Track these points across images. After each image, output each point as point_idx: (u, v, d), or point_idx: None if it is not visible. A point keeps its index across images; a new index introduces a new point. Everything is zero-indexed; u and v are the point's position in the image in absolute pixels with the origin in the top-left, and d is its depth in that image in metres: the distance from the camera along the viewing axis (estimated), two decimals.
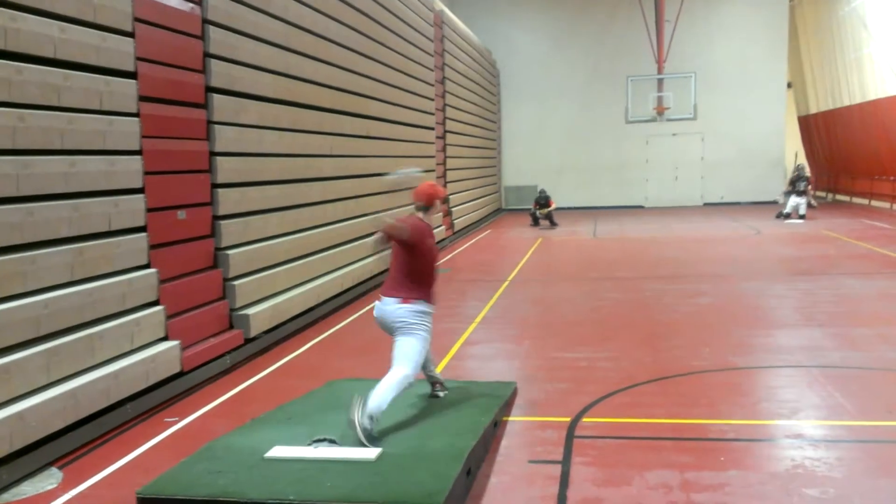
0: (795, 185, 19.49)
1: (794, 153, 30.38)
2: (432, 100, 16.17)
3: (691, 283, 10.86)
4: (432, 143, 16.17)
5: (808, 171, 19.55)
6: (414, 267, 5.02)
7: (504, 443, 4.95)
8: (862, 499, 4.01)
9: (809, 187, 19.66)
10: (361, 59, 11.35)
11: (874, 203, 22.99)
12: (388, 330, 5.06)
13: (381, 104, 12.33)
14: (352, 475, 4.05)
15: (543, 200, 20.57)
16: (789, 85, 27.91)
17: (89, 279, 5.45)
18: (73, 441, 5.05)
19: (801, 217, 19.21)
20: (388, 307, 4.99)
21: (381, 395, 4.66)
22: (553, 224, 19.98)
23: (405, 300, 4.96)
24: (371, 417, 4.56)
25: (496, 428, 5.09)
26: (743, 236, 16.79)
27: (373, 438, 4.53)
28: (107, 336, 5.48)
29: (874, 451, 4.69)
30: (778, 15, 25.63)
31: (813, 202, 20.02)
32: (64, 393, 4.92)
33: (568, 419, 5.29)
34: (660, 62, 23.07)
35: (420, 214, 5.22)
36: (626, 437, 5.02)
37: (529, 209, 21.28)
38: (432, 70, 16.28)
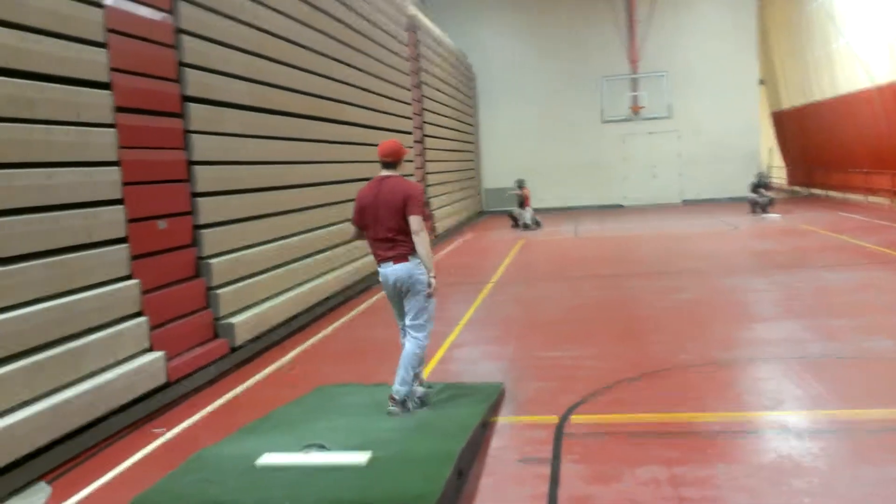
0: (757, 189, 20.45)
1: (768, 149, 30.77)
2: (409, 104, 16.19)
3: (672, 279, 10.96)
4: (410, 147, 16.18)
5: (767, 178, 20.97)
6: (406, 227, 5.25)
7: (493, 443, 4.97)
8: (846, 487, 4.07)
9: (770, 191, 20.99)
10: (335, 64, 11.34)
11: (849, 196, 23.31)
12: (399, 294, 5.34)
13: (358, 109, 12.32)
14: (343, 480, 4.05)
15: (520, 200, 20.31)
16: (762, 81, 28.24)
17: (70, 292, 5.40)
18: (61, 455, 5.00)
19: (766, 206, 20.08)
20: (401, 268, 5.23)
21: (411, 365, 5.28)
22: (533, 225, 19.91)
23: (413, 258, 5.25)
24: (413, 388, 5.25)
25: (485, 429, 5.11)
26: (721, 232, 16.96)
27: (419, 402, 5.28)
28: (90, 349, 5.44)
29: (856, 440, 4.76)
30: (747, 12, 25.91)
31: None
32: (49, 407, 4.87)
33: (556, 418, 5.33)
34: (633, 62, 23.28)
35: (389, 171, 5.43)
36: (613, 433, 5.06)
37: (508, 210, 21.16)
38: (408, 74, 16.30)
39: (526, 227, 19.88)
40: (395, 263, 5.26)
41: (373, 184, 5.43)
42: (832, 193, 24.87)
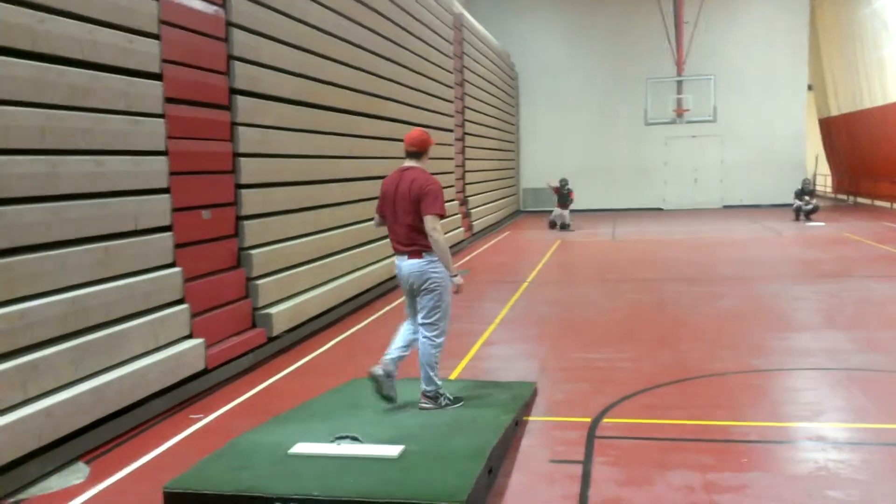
0: (801, 197, 20.23)
1: (814, 156, 30.17)
2: (451, 102, 16.21)
3: (711, 285, 10.82)
4: (451, 144, 16.21)
5: (811, 185, 20.92)
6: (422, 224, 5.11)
7: (525, 442, 4.97)
8: (887, 501, 3.99)
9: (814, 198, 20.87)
10: (381, 61, 11.41)
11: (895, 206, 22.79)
12: (412, 289, 5.24)
13: (401, 106, 12.38)
14: (375, 472, 4.09)
15: (565, 192, 19.99)
16: (810, 87, 27.71)
17: (116, 277, 5.52)
18: (100, 437, 5.13)
19: (810, 213, 19.95)
20: (415, 264, 5.14)
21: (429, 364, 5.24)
22: (566, 227, 19.80)
23: (428, 255, 5.14)
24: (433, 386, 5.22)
25: (517, 427, 5.11)
26: (763, 238, 16.69)
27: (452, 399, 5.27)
28: (133, 334, 5.56)
29: None
30: (798, 16, 25.44)
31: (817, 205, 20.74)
32: (91, 389, 4.99)
33: (588, 419, 5.30)
34: (679, 64, 22.98)
35: (412, 162, 5.30)
36: (646, 437, 5.02)
37: (550, 210, 20.84)
38: (451, 72, 16.32)
39: (564, 227, 19.76)
40: (409, 258, 5.16)
41: (395, 174, 5.32)
42: (879, 203, 24.31)
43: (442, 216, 5.16)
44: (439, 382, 5.32)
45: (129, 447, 5.13)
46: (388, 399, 5.24)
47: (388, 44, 11.72)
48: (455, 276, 5.22)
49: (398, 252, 5.26)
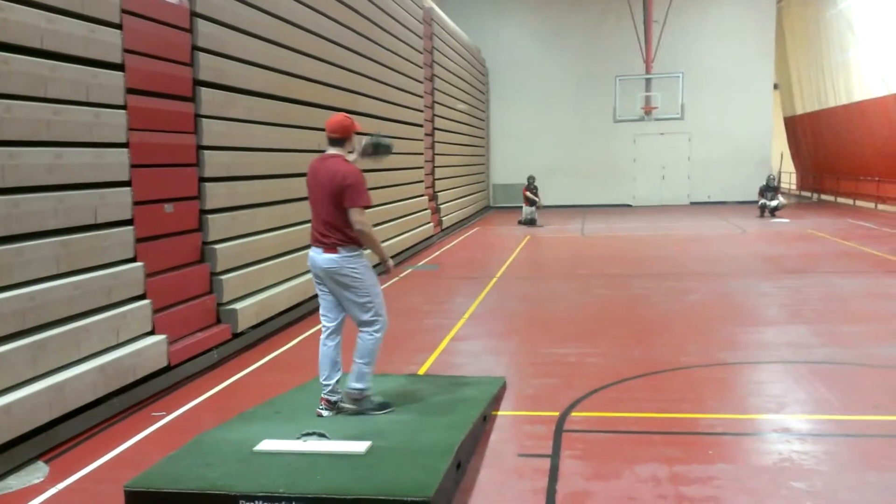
0: (765, 193, 20.57)
1: (779, 154, 30.62)
2: (421, 97, 16.15)
3: (679, 280, 10.90)
4: (421, 139, 16.15)
5: (776, 182, 21.16)
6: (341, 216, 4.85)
7: (493, 437, 4.94)
8: (849, 492, 4.03)
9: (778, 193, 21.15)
10: (350, 54, 11.32)
11: (859, 203, 23.18)
12: (329, 285, 4.97)
13: (370, 100, 12.30)
14: (341, 468, 4.03)
15: (534, 190, 20.29)
16: (776, 86, 28.08)
17: (75, 272, 5.40)
18: (60, 435, 5.01)
19: (775, 210, 20.30)
20: (330, 259, 4.85)
21: (364, 360, 4.99)
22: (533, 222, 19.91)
23: (344, 250, 4.87)
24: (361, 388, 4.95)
25: (485, 422, 5.09)
26: (730, 235, 16.88)
27: (378, 404, 4.99)
28: (93, 329, 5.43)
29: (860, 445, 4.72)
30: (765, 16, 25.78)
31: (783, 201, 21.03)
32: (50, 386, 4.87)
33: (557, 413, 5.30)
34: (648, 62, 23.17)
35: (335, 150, 4.96)
36: (614, 431, 5.03)
37: (520, 207, 21.01)
38: (421, 67, 16.25)
39: (531, 223, 19.91)
40: (325, 252, 4.87)
41: (315, 163, 5.01)
42: (842, 200, 24.74)
43: (367, 207, 4.86)
44: (369, 383, 5.00)
45: (90, 445, 5.02)
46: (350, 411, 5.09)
47: (357, 38, 11.63)
48: (387, 261, 5.14)
49: (314, 243, 4.95)
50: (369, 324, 4.97)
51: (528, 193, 20.28)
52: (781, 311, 8.70)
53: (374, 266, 5.27)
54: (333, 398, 5.06)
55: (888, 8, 19.30)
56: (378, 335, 5.00)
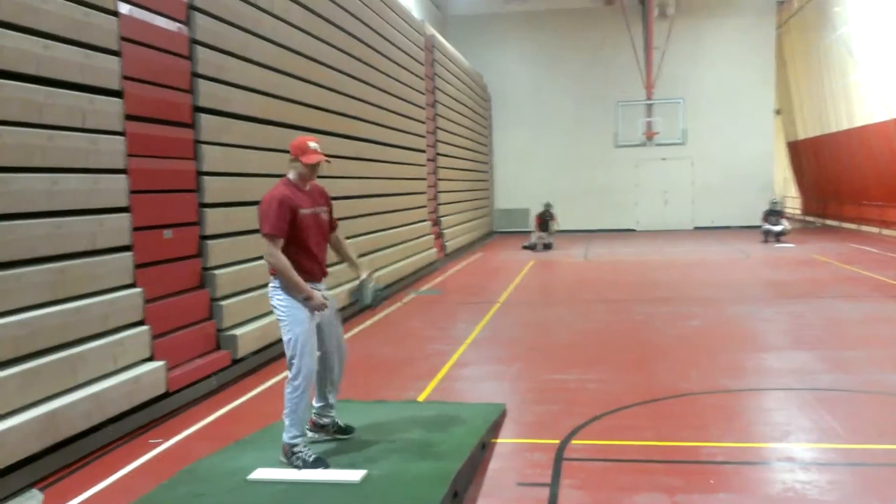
0: (769, 218, 20.52)
1: (782, 179, 30.62)
2: (423, 123, 16.21)
3: (682, 305, 10.83)
4: (423, 165, 16.19)
5: (779, 206, 21.13)
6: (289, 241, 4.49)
7: (492, 465, 4.87)
8: None
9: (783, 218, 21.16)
10: (352, 81, 11.38)
11: (862, 228, 23.11)
12: None
13: (372, 126, 12.34)
14: (336, 498, 3.97)
15: (548, 216, 20.36)
16: (778, 111, 28.16)
17: (72, 298, 5.36)
18: (55, 462, 4.94)
19: (780, 235, 20.15)
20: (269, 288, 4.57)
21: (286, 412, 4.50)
22: (540, 247, 19.92)
23: (272, 281, 4.53)
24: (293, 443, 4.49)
25: (484, 450, 5.02)
26: (733, 260, 16.81)
27: (309, 462, 4.42)
28: (89, 356, 5.39)
29: (866, 475, 4.64)
30: (765, 42, 25.91)
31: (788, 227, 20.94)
32: (44, 414, 4.82)
33: (557, 441, 5.22)
34: (648, 87, 23.28)
35: (290, 175, 4.68)
36: (615, 459, 4.95)
37: (524, 231, 20.99)
38: (423, 93, 16.33)
39: (547, 247, 19.97)
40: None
41: None
42: (846, 225, 24.67)
43: (272, 236, 4.43)
44: (297, 436, 4.48)
45: (86, 473, 4.96)
46: (343, 432, 5.02)
47: (358, 64, 11.69)
48: (307, 297, 4.46)
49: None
50: (290, 367, 4.49)
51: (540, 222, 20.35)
52: (784, 337, 8.62)
53: (358, 293, 5.03)
54: (321, 421, 4.97)
55: (887, 33, 19.38)
56: (296, 383, 4.44)
